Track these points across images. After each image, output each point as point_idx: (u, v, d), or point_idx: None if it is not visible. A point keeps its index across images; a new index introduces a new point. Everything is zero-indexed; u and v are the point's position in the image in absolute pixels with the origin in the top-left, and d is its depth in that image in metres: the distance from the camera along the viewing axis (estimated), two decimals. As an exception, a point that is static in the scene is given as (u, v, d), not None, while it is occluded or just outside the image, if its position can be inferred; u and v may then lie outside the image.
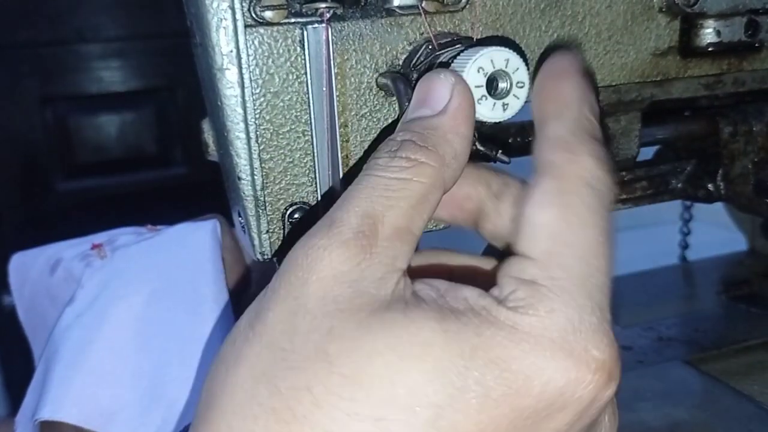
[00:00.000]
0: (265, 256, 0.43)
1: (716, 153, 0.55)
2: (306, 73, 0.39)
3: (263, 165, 0.40)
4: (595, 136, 0.34)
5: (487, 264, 0.39)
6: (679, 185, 0.56)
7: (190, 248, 0.49)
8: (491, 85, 0.37)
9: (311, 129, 0.41)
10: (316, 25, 0.38)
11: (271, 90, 0.39)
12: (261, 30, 0.38)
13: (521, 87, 0.37)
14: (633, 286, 0.73)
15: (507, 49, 0.37)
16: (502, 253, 0.39)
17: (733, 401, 0.49)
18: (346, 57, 0.40)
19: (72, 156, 1.55)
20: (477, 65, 0.36)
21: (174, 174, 1.61)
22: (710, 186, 0.55)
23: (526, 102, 0.38)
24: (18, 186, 1.53)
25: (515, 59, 0.37)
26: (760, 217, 0.56)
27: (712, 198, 0.55)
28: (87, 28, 1.53)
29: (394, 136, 0.34)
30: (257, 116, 0.39)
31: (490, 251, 0.48)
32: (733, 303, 0.67)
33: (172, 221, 0.58)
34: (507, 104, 0.37)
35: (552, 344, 0.28)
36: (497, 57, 0.36)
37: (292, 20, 0.38)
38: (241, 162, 0.40)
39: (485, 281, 0.32)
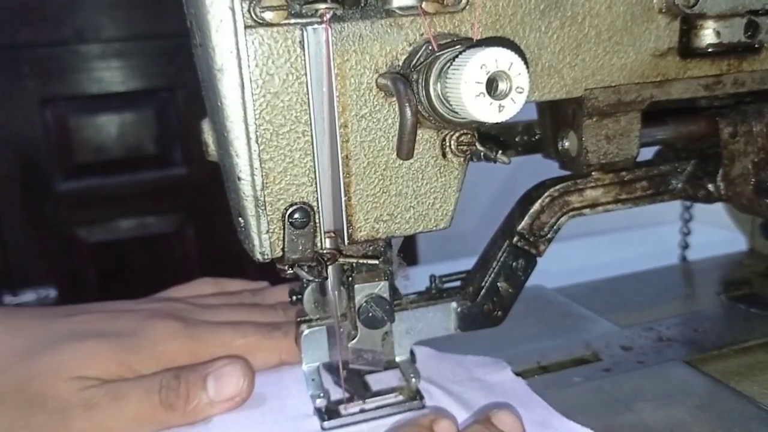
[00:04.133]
0: (265, 257, 0.43)
1: (716, 153, 0.55)
2: (306, 74, 0.39)
3: (263, 165, 0.40)
4: None
5: None
6: (679, 185, 0.56)
7: None
8: (491, 84, 0.37)
9: (311, 129, 0.41)
10: (316, 26, 0.38)
11: (271, 90, 0.39)
12: (261, 31, 0.38)
13: (520, 92, 0.37)
14: (633, 286, 0.73)
15: (512, 53, 0.36)
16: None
17: (734, 402, 0.49)
18: (346, 58, 0.40)
19: (72, 156, 1.55)
20: (480, 61, 0.36)
21: (174, 174, 1.61)
22: (710, 186, 0.55)
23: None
24: (18, 186, 1.53)
25: (519, 64, 0.37)
26: (759, 217, 0.56)
27: (712, 198, 0.55)
28: (87, 28, 1.52)
29: None
30: (257, 117, 0.39)
31: (491, 247, 0.49)
32: (733, 303, 0.67)
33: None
34: (503, 106, 0.37)
35: None
36: (502, 58, 0.36)
37: (292, 21, 0.38)
38: (241, 162, 0.40)
39: None
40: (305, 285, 0.50)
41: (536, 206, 0.52)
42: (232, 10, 0.37)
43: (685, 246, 0.81)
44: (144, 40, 1.57)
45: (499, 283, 0.52)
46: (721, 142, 0.54)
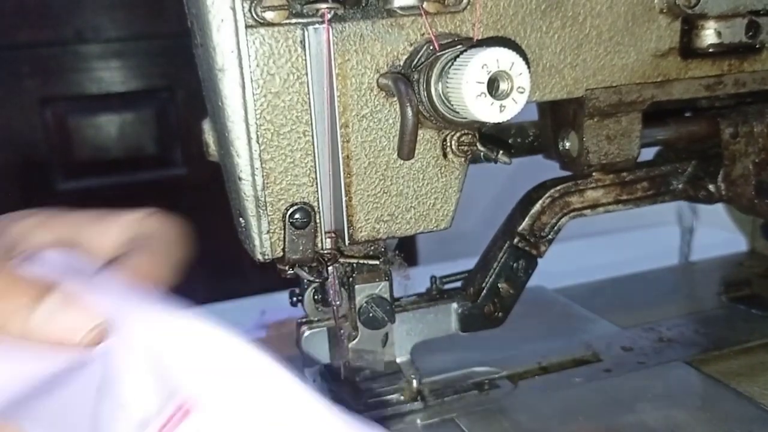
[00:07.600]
0: (266, 257, 0.43)
1: (717, 154, 0.55)
2: (307, 74, 0.39)
3: (264, 165, 0.40)
4: None
5: None
6: (680, 186, 0.56)
7: None
8: (492, 85, 0.37)
9: (312, 129, 0.41)
10: (317, 25, 0.38)
11: (272, 90, 0.39)
12: (262, 30, 0.38)
13: (521, 92, 0.37)
14: (634, 287, 0.73)
15: (513, 53, 0.36)
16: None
17: (734, 402, 0.49)
18: (347, 57, 0.40)
19: (72, 156, 1.55)
20: (482, 61, 0.36)
21: (174, 174, 1.61)
22: (711, 187, 0.55)
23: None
24: (18, 186, 1.53)
25: (520, 64, 0.37)
26: (760, 218, 0.56)
27: (713, 199, 0.55)
28: (87, 28, 1.52)
29: None
30: (258, 117, 0.39)
31: (491, 248, 0.48)
32: (733, 304, 0.67)
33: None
34: (504, 106, 0.37)
35: None
36: (503, 58, 0.36)
37: (293, 21, 0.38)
38: (242, 162, 0.40)
39: None
40: (306, 286, 0.50)
41: (537, 207, 0.52)
42: (233, 9, 0.37)
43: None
44: (144, 40, 1.57)
45: (499, 284, 0.52)
46: (722, 143, 0.54)
